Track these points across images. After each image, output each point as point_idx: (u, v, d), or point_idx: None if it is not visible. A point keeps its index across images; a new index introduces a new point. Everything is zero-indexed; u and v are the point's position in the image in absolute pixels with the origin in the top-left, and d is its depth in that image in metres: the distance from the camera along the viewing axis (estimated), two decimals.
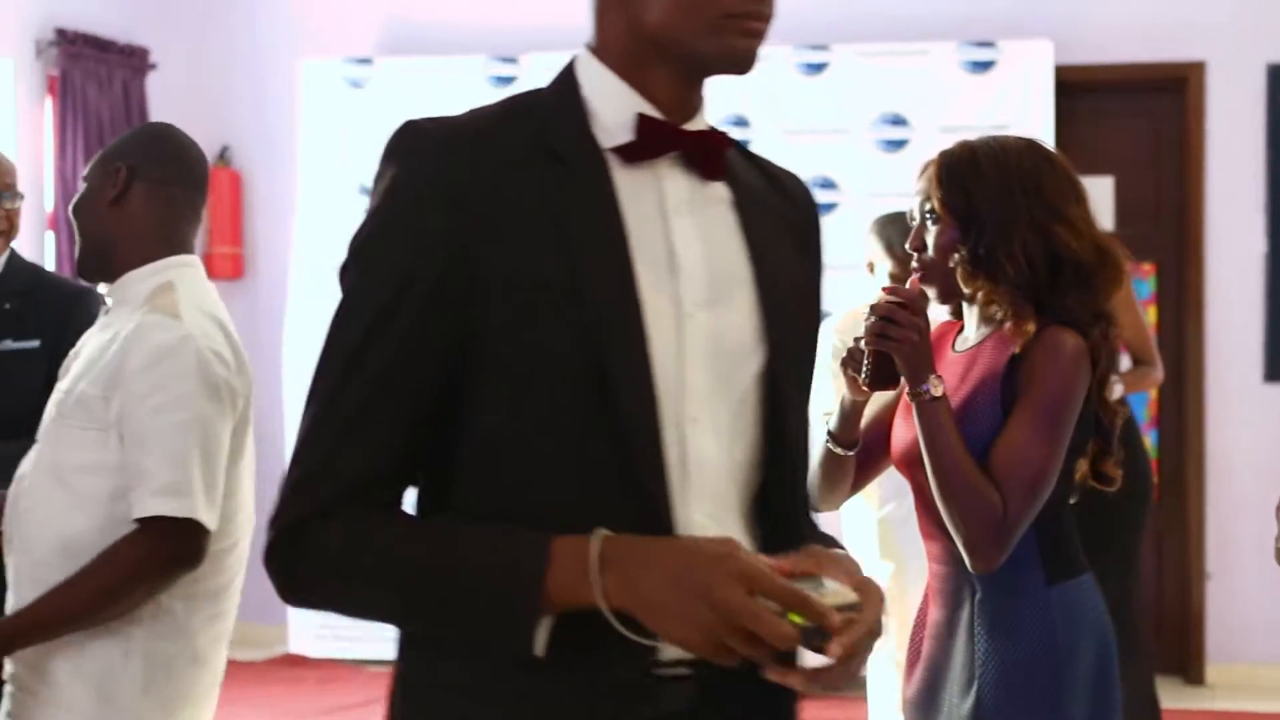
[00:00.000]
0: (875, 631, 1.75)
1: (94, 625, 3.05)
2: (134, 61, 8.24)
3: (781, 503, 1.91)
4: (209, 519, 3.07)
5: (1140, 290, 7.83)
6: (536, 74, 8.01)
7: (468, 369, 1.78)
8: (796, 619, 1.64)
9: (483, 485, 1.81)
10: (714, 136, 1.91)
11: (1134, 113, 8.14)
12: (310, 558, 1.79)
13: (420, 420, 1.80)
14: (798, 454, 1.94)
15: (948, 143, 3.19)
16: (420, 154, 1.80)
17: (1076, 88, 7.90)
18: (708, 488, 1.83)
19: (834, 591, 1.70)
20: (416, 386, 1.79)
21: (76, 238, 3.29)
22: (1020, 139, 3.18)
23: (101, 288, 3.31)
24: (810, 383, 2.02)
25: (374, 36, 8.58)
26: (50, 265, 7.44)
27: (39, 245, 7.61)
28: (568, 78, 1.91)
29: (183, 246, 3.28)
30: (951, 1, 8.03)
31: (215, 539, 3.11)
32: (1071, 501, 3.13)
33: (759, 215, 1.94)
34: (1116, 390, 5.45)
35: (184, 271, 3.24)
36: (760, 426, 1.90)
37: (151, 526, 3.02)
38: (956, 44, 7.83)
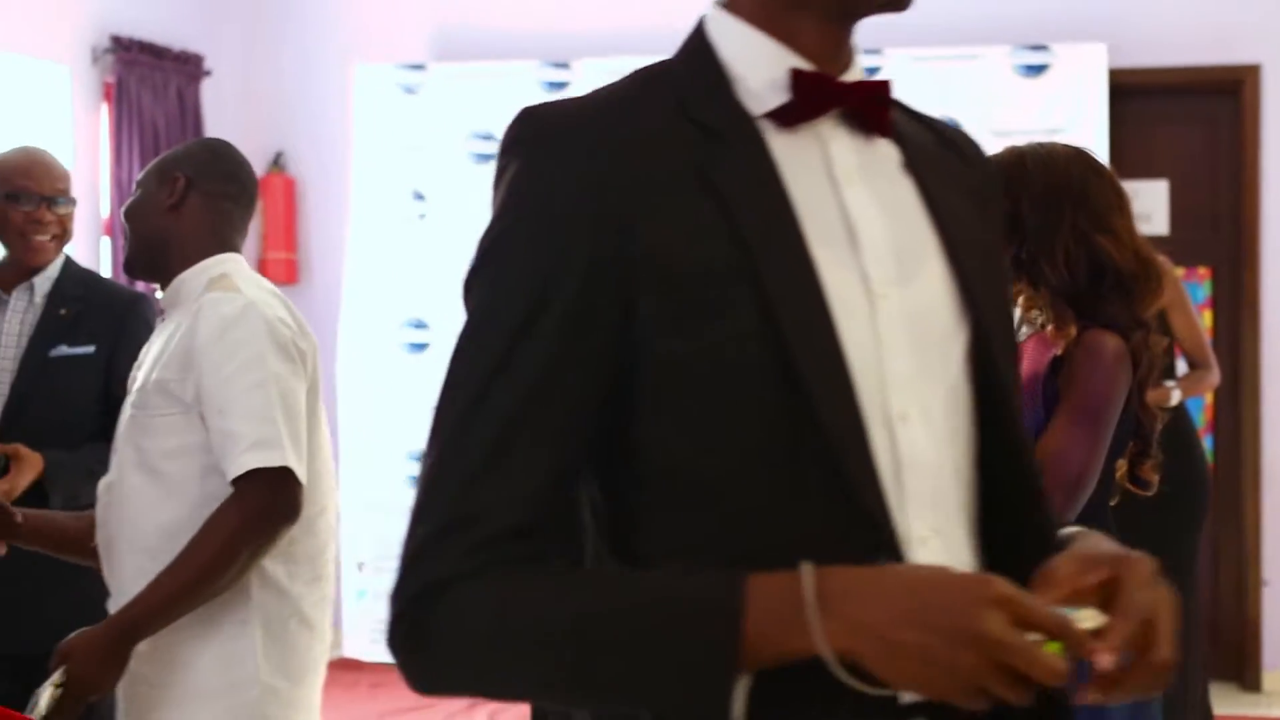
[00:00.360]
0: (1164, 613, 1.46)
1: (211, 595, 3.11)
2: (189, 68, 8.29)
3: (1012, 501, 1.62)
4: (300, 470, 3.13)
5: (1195, 295, 7.79)
6: (589, 79, 8.04)
7: (629, 384, 1.50)
8: (1055, 648, 1.38)
9: (663, 523, 1.52)
10: (878, 86, 1.63)
11: (1189, 116, 8.10)
12: (448, 631, 1.48)
13: (574, 451, 1.51)
14: (1022, 440, 1.64)
15: (1000, 147, 3.20)
16: (545, 142, 1.54)
17: (1130, 91, 7.86)
18: (926, 494, 1.54)
19: (1087, 616, 1.43)
20: (568, 409, 1.50)
21: (127, 238, 3.41)
22: (1069, 147, 3.20)
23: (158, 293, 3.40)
24: (1016, 358, 1.75)
25: (427, 42, 8.61)
26: (106, 271, 7.48)
27: (94, 251, 7.66)
28: (699, 42, 1.63)
29: (230, 250, 3.40)
30: (1004, 5, 8.01)
31: (304, 501, 3.17)
32: (1111, 503, 3.14)
33: (935, 175, 1.67)
34: (1175, 396, 5.47)
35: (234, 265, 3.35)
36: (975, 416, 1.62)
37: (247, 484, 3.08)
38: (1009, 48, 7.81)
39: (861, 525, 1.48)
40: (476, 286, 1.55)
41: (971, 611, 1.36)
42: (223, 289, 3.23)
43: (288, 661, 3.21)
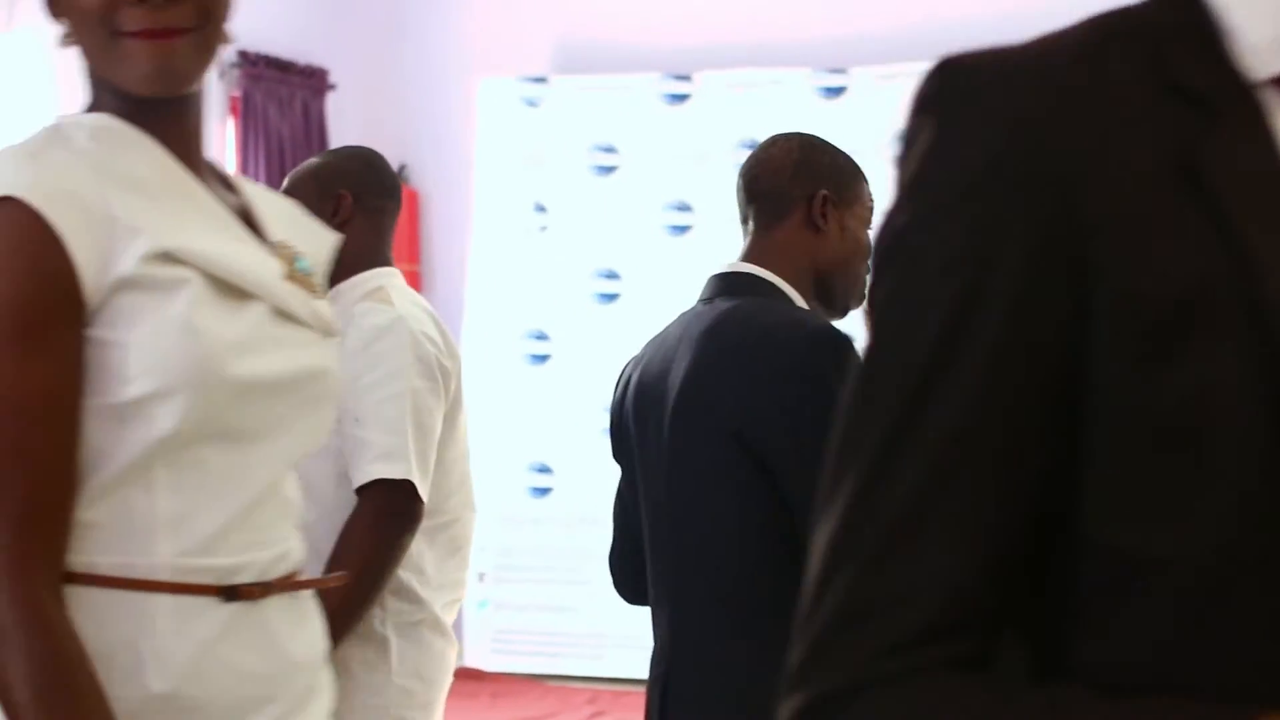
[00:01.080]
0: None
1: (369, 607, 3.18)
2: (313, 82, 8.38)
3: None
4: (422, 486, 3.18)
5: None
6: (711, 91, 8.06)
7: (1069, 438, 1.10)
8: None
9: (1098, 624, 1.11)
10: None
11: None
12: None
13: (1018, 520, 1.11)
14: None
15: None
16: (976, 103, 1.13)
17: None
18: None
19: None
20: (1011, 461, 1.10)
21: None
22: None
23: None
24: None
25: (549, 55, 8.65)
26: None
27: None
28: None
29: (386, 264, 3.47)
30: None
31: (429, 515, 3.23)
32: None
33: None
34: None
35: (391, 279, 3.42)
36: None
37: (369, 494, 3.14)
38: None
39: None
40: (877, 304, 1.15)
41: None
42: (376, 299, 3.29)
43: (422, 664, 3.27)
